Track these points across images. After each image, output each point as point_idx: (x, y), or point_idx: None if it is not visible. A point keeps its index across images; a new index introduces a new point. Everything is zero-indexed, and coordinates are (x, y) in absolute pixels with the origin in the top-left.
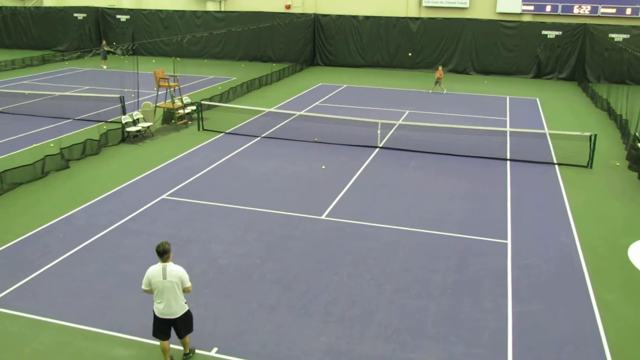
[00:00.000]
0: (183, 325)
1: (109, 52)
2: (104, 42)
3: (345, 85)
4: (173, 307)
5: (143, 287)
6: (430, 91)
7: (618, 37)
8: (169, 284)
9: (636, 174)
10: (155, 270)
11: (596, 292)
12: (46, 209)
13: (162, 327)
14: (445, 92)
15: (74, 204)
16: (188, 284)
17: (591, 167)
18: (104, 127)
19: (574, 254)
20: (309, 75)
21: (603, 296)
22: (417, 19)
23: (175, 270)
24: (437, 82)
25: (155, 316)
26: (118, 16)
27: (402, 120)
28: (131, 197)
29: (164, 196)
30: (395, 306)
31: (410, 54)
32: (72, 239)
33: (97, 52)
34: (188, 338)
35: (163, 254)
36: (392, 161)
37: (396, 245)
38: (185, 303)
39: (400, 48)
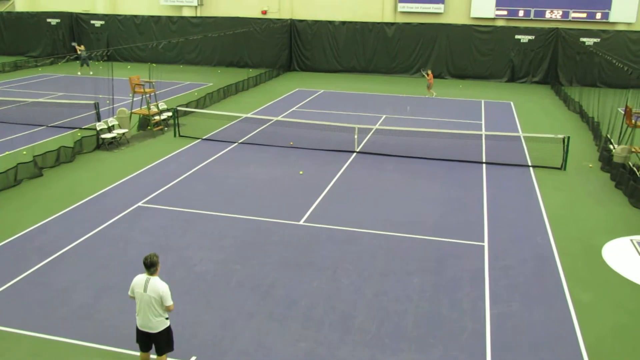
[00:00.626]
0: (161, 342)
1: (88, 57)
2: (82, 46)
3: (322, 91)
4: (151, 321)
5: (129, 293)
6: (435, 96)
7: (589, 41)
8: (148, 297)
9: (608, 175)
10: (139, 280)
11: (572, 292)
12: (19, 218)
13: (141, 338)
14: (427, 96)
15: (48, 213)
16: (169, 302)
17: (565, 169)
18: (79, 134)
19: (549, 254)
20: (286, 80)
21: (579, 296)
22: (392, 24)
23: (157, 286)
24: (428, 86)
25: (136, 325)
26: (92, 21)
27: (379, 125)
28: (107, 204)
29: (140, 203)
30: (374, 310)
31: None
32: (46, 247)
33: (76, 57)
34: (166, 358)
35: (150, 266)
36: (369, 165)
37: (374, 250)
38: (167, 319)
39: (376, 53)
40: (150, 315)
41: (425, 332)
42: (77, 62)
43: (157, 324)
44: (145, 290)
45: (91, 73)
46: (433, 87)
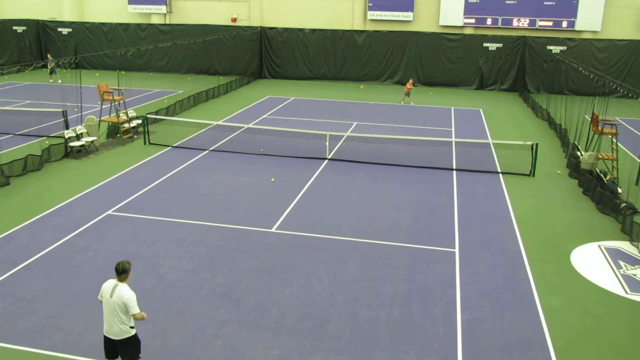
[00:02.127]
0: (123, 349)
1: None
2: (49, 55)
3: (293, 98)
4: (114, 328)
5: (98, 297)
6: (408, 104)
7: (555, 49)
8: (113, 303)
9: (576, 181)
10: (108, 285)
11: (541, 298)
12: None
13: (106, 345)
14: (411, 104)
15: (15, 222)
16: (133, 311)
17: (533, 175)
18: (46, 142)
19: (519, 260)
20: (257, 88)
21: (548, 301)
22: (362, 31)
23: (122, 293)
24: (407, 94)
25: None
26: (60, 29)
27: (350, 132)
28: (76, 213)
29: (109, 212)
30: (347, 317)
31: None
32: (13, 257)
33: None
34: None
35: (121, 272)
36: (340, 172)
37: (346, 256)
38: (132, 328)
39: (346, 61)
40: (113, 321)
41: (398, 338)
42: (45, 70)
43: (120, 332)
44: (111, 295)
45: (60, 81)
46: (409, 95)
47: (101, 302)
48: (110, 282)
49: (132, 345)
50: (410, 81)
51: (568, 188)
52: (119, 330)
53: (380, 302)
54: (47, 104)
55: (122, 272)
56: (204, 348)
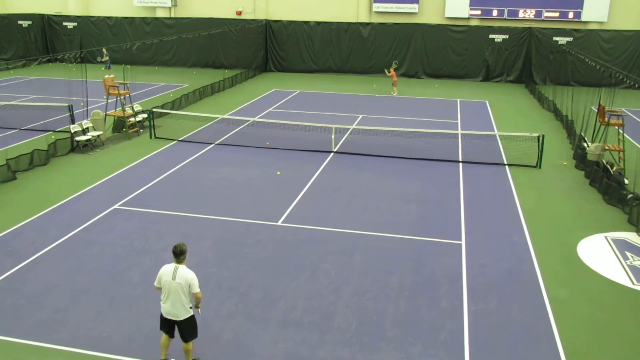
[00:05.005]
0: (186, 329)
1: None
2: (104, 50)
3: (298, 91)
4: (177, 308)
5: (155, 284)
6: (395, 94)
7: (562, 40)
8: (176, 285)
9: (583, 172)
10: (167, 269)
11: (548, 289)
12: None
13: (165, 325)
14: (393, 94)
15: (22, 216)
16: (196, 289)
17: (540, 167)
18: (52, 136)
19: (525, 252)
20: (262, 81)
21: (554, 293)
22: (367, 24)
23: (185, 274)
24: (393, 83)
25: (161, 313)
26: (65, 23)
27: (356, 125)
28: (82, 207)
29: (116, 206)
30: (353, 310)
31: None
32: (20, 252)
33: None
34: (191, 345)
35: (179, 254)
36: (346, 165)
37: (352, 249)
38: (191, 308)
39: (352, 53)
40: (177, 303)
41: (404, 331)
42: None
43: (182, 312)
44: (174, 278)
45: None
46: (397, 85)
47: (158, 288)
48: (169, 267)
49: (192, 324)
50: (393, 69)
51: (574, 179)
52: (182, 310)
53: (386, 294)
54: (53, 98)
55: (180, 254)
56: (211, 341)
